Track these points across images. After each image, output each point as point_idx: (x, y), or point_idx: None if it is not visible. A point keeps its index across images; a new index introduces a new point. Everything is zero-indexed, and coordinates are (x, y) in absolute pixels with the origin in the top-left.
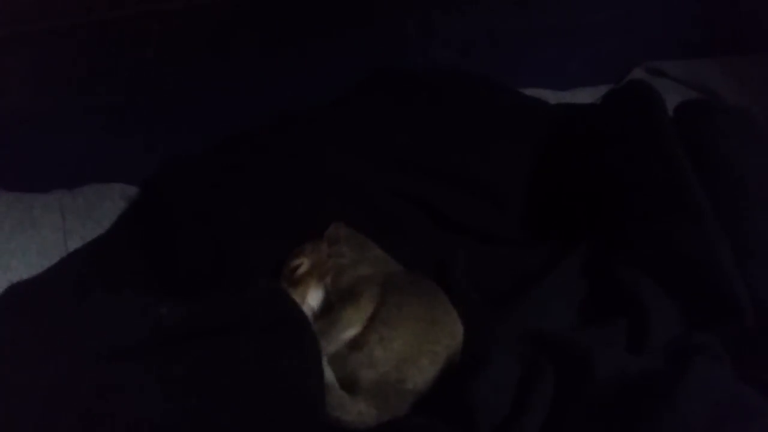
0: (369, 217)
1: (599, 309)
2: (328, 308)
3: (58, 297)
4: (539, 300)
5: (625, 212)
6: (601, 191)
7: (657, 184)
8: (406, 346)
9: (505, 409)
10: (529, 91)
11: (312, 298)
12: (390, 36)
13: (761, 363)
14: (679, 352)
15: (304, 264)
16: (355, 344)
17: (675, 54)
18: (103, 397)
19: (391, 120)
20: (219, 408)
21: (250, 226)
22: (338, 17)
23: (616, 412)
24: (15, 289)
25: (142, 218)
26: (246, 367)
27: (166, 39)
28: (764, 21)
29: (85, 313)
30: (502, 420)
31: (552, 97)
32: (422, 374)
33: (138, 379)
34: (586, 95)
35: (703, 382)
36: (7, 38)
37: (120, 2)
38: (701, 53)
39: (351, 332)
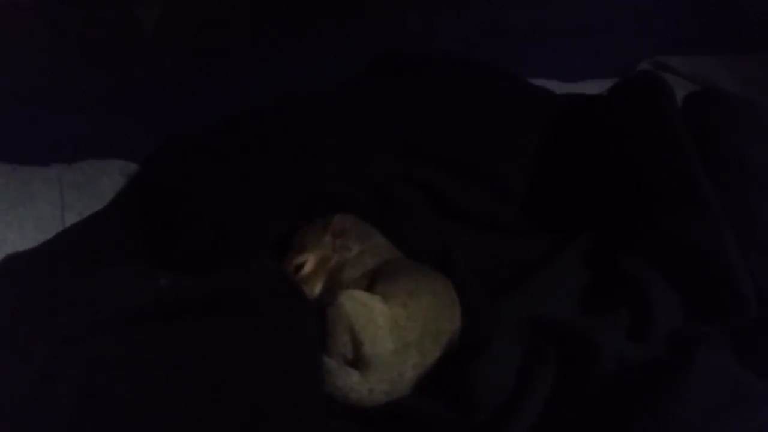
0: (372, 201)
1: (601, 298)
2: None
3: (55, 270)
4: (541, 287)
5: (631, 202)
6: (606, 181)
7: (664, 174)
8: (426, 321)
9: (506, 392)
10: (535, 82)
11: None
12: (392, 29)
13: (763, 353)
14: (682, 342)
15: (309, 262)
16: None
17: (681, 50)
18: (99, 367)
19: (397, 104)
20: (216, 382)
21: (250, 205)
22: (341, 8)
23: (619, 397)
24: (11, 261)
25: (141, 195)
26: (245, 343)
27: (169, 20)
28: None
29: (83, 284)
30: (503, 402)
31: (558, 88)
32: (436, 349)
33: (135, 350)
34: (592, 87)
35: (707, 370)
36: (9, 13)
37: None
38: (707, 50)
39: None
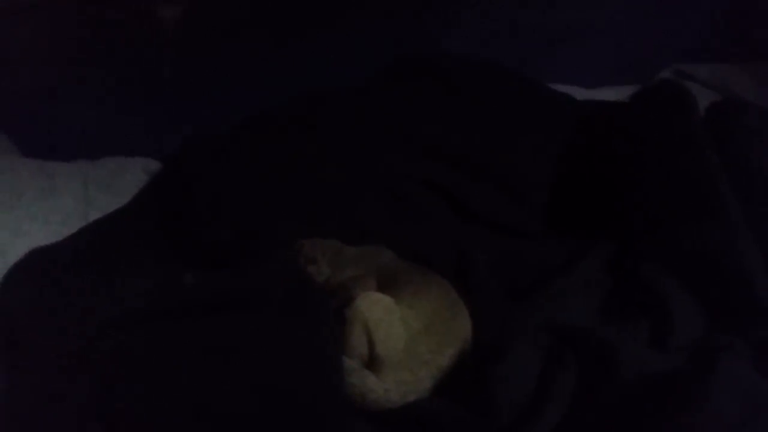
0: (392, 203)
1: (621, 306)
2: None
3: (78, 264)
4: (561, 294)
5: (652, 210)
6: (627, 188)
7: (686, 184)
8: (432, 318)
9: (525, 398)
10: (555, 87)
11: None
12: (409, 30)
13: None
14: (703, 352)
15: None
16: None
17: (702, 58)
18: (119, 365)
19: (420, 107)
20: (237, 379)
21: (271, 205)
22: (358, 10)
23: (639, 406)
24: (34, 255)
25: (163, 192)
26: (266, 340)
27: (192, 20)
28: None
29: (107, 281)
30: (523, 408)
31: (579, 93)
32: (445, 348)
33: (159, 348)
34: (613, 93)
35: (729, 381)
36: (34, 12)
37: None
38: (729, 59)
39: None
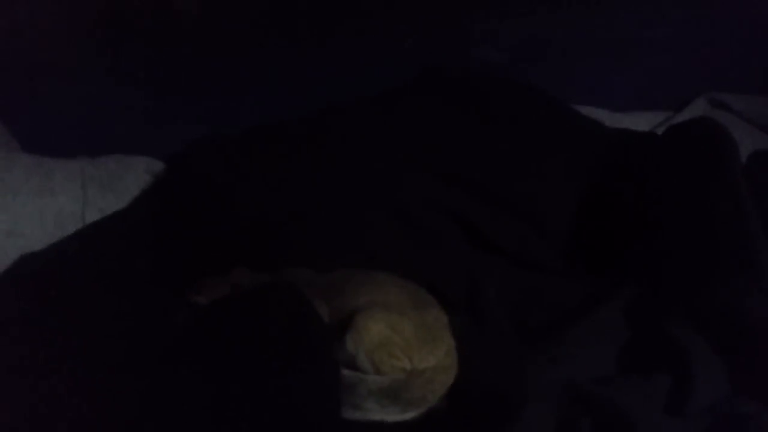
0: (403, 225)
1: (639, 360)
2: None
3: (71, 277)
4: (577, 344)
5: (682, 260)
6: (656, 234)
7: (721, 236)
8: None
9: None
10: (583, 110)
11: None
12: (435, 39)
13: None
14: (725, 420)
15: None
16: None
17: (740, 88)
18: (105, 400)
19: (441, 127)
20: (228, 420)
21: (279, 216)
22: (383, 16)
23: None
24: (26, 261)
25: (165, 195)
26: (260, 382)
27: (202, 19)
28: None
29: (99, 307)
30: None
31: (608, 118)
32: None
33: (145, 386)
34: (643, 121)
35: None
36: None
37: None
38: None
39: None
